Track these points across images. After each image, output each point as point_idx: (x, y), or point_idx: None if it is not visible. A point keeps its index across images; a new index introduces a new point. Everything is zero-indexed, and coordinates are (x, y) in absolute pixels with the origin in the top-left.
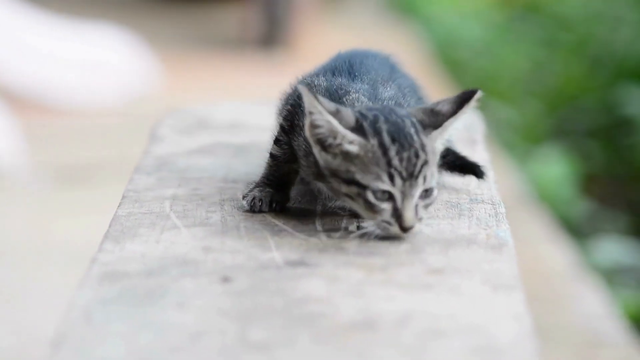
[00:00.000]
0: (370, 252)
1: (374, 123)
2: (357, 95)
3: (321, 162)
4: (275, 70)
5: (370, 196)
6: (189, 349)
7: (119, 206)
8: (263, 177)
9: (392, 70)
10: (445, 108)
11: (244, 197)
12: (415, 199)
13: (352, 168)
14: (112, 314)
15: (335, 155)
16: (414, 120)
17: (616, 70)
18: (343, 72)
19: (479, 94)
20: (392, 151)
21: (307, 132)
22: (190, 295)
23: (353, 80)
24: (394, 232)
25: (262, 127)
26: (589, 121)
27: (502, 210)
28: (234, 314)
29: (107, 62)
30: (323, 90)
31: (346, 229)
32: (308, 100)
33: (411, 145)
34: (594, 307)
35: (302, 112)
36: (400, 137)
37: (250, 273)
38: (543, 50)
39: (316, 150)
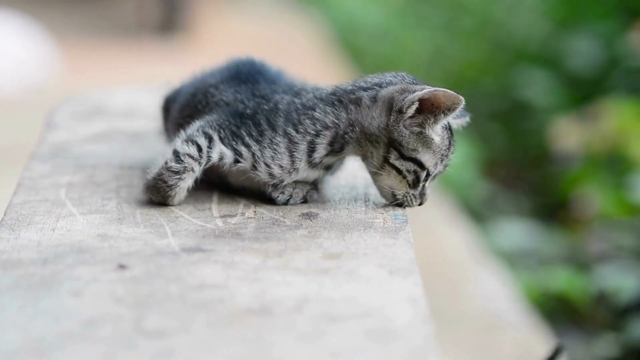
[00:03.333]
0: (266, 238)
1: None
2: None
3: (395, 134)
4: (175, 55)
5: (423, 176)
6: (84, 337)
7: (14, 194)
8: None
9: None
10: None
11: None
12: None
13: (420, 148)
14: (6, 303)
15: (412, 134)
16: None
17: (515, 54)
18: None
19: (462, 102)
20: (452, 146)
21: (410, 110)
22: (86, 283)
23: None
24: (412, 204)
25: (158, 114)
26: (490, 105)
27: None
28: (129, 301)
29: (4, 50)
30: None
31: (243, 214)
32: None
33: (454, 139)
34: (495, 289)
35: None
36: (451, 130)
37: (146, 260)
38: (443, 34)
39: (399, 122)
